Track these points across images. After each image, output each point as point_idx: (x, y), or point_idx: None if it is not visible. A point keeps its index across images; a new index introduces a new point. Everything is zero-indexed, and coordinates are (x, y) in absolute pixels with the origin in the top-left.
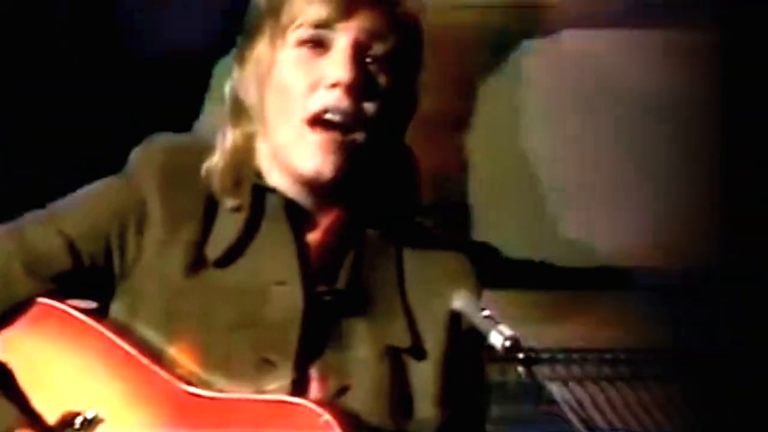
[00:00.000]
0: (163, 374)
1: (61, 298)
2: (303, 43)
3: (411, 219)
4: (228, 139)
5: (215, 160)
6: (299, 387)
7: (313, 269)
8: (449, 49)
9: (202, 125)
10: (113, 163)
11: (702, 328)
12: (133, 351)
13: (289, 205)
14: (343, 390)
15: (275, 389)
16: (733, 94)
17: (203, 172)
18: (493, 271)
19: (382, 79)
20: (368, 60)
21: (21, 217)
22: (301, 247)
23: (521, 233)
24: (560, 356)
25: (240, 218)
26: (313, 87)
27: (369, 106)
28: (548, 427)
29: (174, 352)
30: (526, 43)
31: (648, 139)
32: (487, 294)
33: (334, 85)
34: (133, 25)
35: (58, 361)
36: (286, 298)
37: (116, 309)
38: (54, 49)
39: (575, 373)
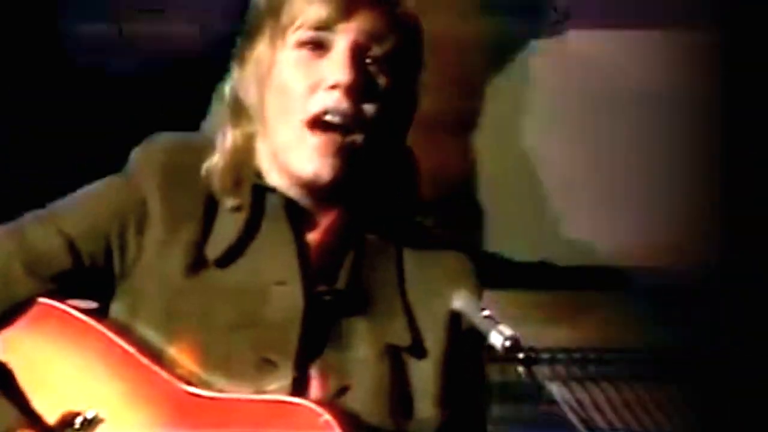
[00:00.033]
0: (163, 374)
1: (61, 298)
2: (303, 44)
3: (411, 219)
4: (228, 139)
5: (215, 160)
6: (299, 387)
7: (313, 269)
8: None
9: (210, 125)
10: (113, 163)
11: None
12: (133, 351)
13: (289, 205)
14: (343, 390)
15: (275, 389)
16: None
17: (203, 171)
18: (494, 270)
19: (381, 80)
20: (368, 61)
21: (21, 217)
22: (301, 247)
23: (523, 233)
24: (560, 356)
25: (240, 218)
26: (313, 88)
27: (368, 108)
28: (548, 427)
29: (174, 352)
30: (532, 44)
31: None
32: (487, 294)
33: (333, 87)
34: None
35: (58, 361)
36: (286, 298)
37: (116, 309)
38: (53, 48)
39: (575, 373)
